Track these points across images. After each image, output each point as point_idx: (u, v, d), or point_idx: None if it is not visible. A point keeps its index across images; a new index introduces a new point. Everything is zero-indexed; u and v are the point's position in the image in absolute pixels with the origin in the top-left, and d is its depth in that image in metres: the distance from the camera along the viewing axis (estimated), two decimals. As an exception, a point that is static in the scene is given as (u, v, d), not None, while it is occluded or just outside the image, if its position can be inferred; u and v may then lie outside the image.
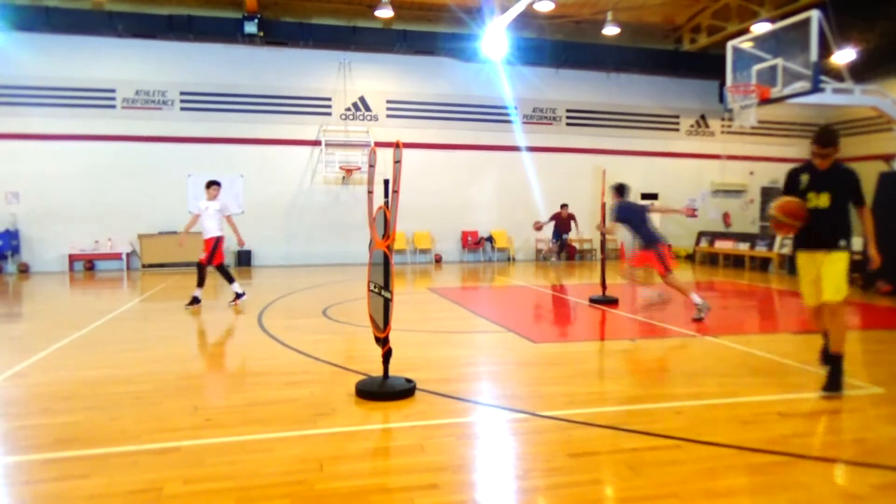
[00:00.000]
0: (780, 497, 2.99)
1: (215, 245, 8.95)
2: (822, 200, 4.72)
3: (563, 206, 14.89)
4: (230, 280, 9.15)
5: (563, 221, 14.92)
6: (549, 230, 15.18)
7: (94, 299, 11.00)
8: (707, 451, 3.54)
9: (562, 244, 15.46)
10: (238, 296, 9.13)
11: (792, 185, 4.89)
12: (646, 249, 8.12)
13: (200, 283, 8.97)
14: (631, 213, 8.18)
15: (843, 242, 4.69)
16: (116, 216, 15.20)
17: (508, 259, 17.95)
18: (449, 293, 10.85)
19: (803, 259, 4.85)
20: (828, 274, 4.65)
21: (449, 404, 4.45)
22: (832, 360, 4.69)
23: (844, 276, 4.62)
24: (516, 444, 3.74)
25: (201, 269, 8.98)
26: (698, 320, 7.70)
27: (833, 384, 4.62)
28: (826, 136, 4.77)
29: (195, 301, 8.92)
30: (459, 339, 6.96)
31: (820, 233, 4.74)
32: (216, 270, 9.15)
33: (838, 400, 4.54)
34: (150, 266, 15.21)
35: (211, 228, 8.94)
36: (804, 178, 4.80)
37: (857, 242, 12.56)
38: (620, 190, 8.37)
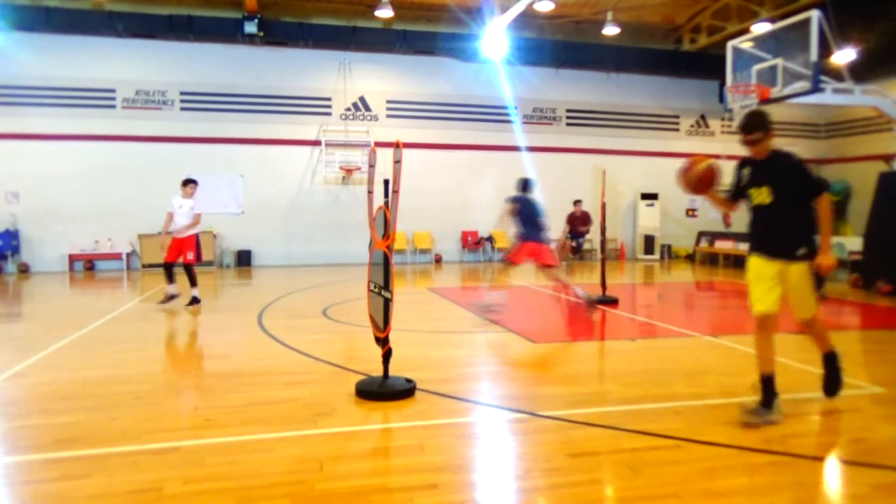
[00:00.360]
0: (780, 497, 2.99)
1: (197, 241, 9.01)
2: (763, 196, 4.12)
3: (577, 202, 14.36)
4: (170, 280, 8.96)
5: (577, 220, 14.34)
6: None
7: (94, 299, 11.00)
8: (707, 451, 3.54)
9: (578, 245, 14.78)
10: (170, 297, 8.93)
11: (737, 179, 4.33)
12: (524, 241, 8.28)
13: (193, 283, 8.99)
14: (523, 206, 8.30)
15: (801, 250, 4.02)
16: (116, 216, 15.20)
17: (508, 259, 17.93)
18: (449, 293, 10.84)
19: (757, 262, 4.21)
20: (794, 291, 4.11)
21: (449, 404, 4.45)
22: (826, 360, 4.41)
23: (812, 290, 4.12)
24: (516, 444, 3.75)
25: (189, 269, 8.99)
26: (489, 309, 8.17)
27: (832, 386, 4.40)
28: (747, 120, 4.14)
29: (195, 301, 8.93)
30: (459, 339, 6.96)
31: (771, 236, 4.15)
32: (163, 267, 9.02)
33: (840, 399, 4.54)
34: (150, 266, 15.20)
35: (185, 226, 8.88)
36: (746, 171, 4.23)
37: (854, 242, 12.61)
38: (524, 185, 8.49)
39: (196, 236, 9.04)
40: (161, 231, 9.09)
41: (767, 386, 4.11)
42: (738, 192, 4.36)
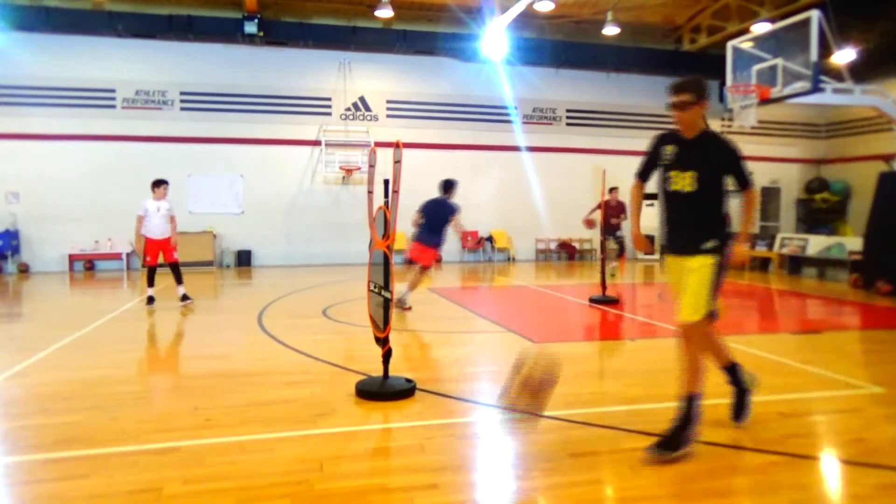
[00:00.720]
0: (780, 497, 2.99)
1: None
2: (685, 182, 3.52)
3: (612, 189, 12.24)
4: (151, 283, 9.14)
5: (609, 211, 12.11)
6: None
7: (94, 299, 11.00)
8: (707, 451, 3.54)
9: (619, 242, 12.68)
10: (150, 300, 9.08)
11: (653, 156, 3.73)
12: (420, 243, 8.47)
13: (180, 281, 9.15)
14: (431, 208, 8.50)
15: (711, 243, 3.49)
16: (116, 216, 15.17)
17: (508, 259, 17.95)
18: (449, 293, 10.84)
19: (670, 264, 3.72)
20: (686, 284, 3.53)
21: (449, 404, 4.45)
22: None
23: (707, 287, 3.46)
24: (516, 444, 3.74)
25: (176, 267, 9.15)
26: (400, 307, 8.33)
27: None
28: (680, 80, 3.55)
29: (186, 298, 9.07)
30: (459, 339, 6.96)
31: (683, 229, 3.62)
32: (147, 270, 9.17)
33: (840, 399, 4.53)
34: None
35: (167, 229, 8.99)
36: (668, 149, 3.62)
37: (854, 242, 12.61)
38: (443, 187, 8.66)
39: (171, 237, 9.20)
40: (136, 235, 9.06)
41: (732, 371, 3.79)
42: (649, 171, 3.83)
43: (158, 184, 9.04)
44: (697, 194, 3.51)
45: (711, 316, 3.56)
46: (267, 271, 14.92)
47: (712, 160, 3.51)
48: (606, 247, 11.54)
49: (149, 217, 8.88)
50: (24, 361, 5.68)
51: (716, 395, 4.62)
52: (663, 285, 10.43)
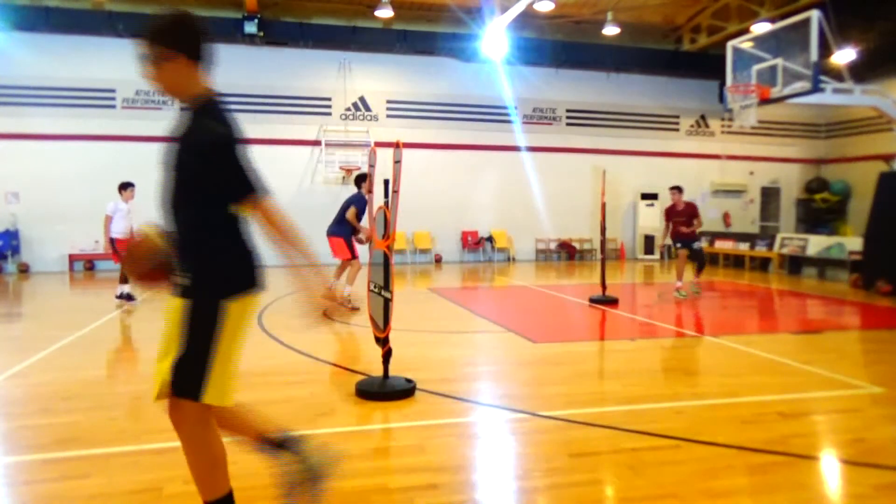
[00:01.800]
0: (780, 497, 2.99)
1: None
2: (167, 182, 2.40)
3: (674, 189, 10.12)
4: (127, 280, 9.33)
5: (677, 216, 10.03)
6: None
7: (93, 299, 11.00)
8: (707, 451, 3.54)
9: (696, 255, 10.09)
10: (131, 297, 9.29)
11: None
12: (336, 236, 8.78)
13: (127, 280, 9.29)
14: (352, 201, 8.94)
15: (190, 279, 2.32)
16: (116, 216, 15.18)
17: (508, 259, 17.95)
18: (449, 293, 10.84)
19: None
20: (164, 338, 2.41)
21: (449, 404, 4.45)
22: None
23: (180, 346, 2.37)
24: (516, 444, 3.74)
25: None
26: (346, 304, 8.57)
27: None
28: (149, 25, 2.42)
29: (130, 297, 9.23)
30: (459, 339, 6.95)
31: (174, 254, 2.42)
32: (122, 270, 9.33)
33: (840, 400, 4.53)
34: (150, 266, 15.20)
35: (127, 229, 9.20)
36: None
37: (854, 242, 12.61)
38: (360, 180, 9.01)
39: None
40: (105, 234, 9.25)
41: (279, 445, 2.58)
42: None
43: (126, 186, 9.31)
44: (176, 196, 2.36)
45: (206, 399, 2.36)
46: (267, 271, 14.89)
47: (185, 149, 2.34)
48: (681, 259, 10.05)
49: (120, 217, 9.16)
50: (24, 361, 5.68)
51: (715, 396, 4.62)
52: (663, 285, 10.44)
